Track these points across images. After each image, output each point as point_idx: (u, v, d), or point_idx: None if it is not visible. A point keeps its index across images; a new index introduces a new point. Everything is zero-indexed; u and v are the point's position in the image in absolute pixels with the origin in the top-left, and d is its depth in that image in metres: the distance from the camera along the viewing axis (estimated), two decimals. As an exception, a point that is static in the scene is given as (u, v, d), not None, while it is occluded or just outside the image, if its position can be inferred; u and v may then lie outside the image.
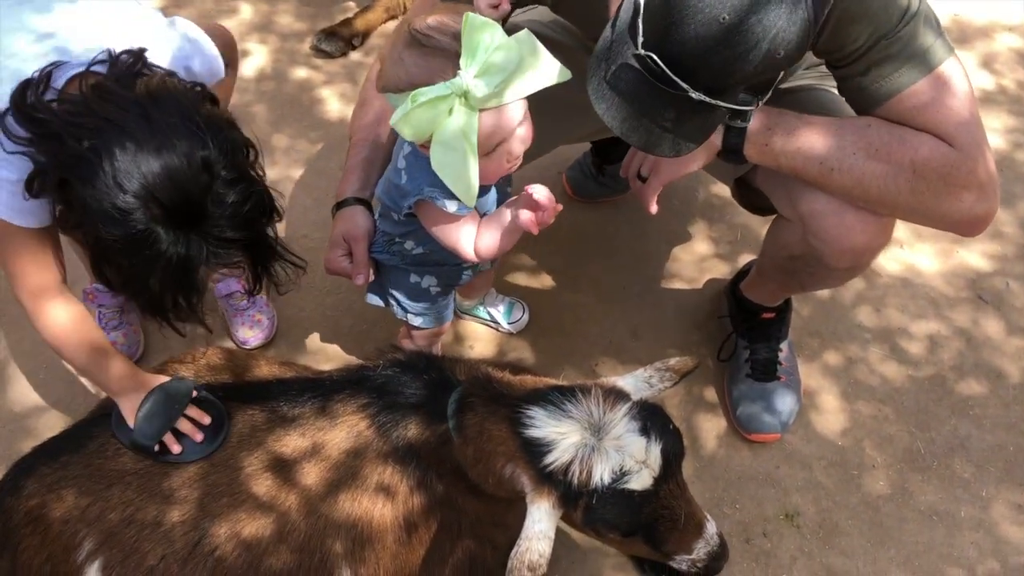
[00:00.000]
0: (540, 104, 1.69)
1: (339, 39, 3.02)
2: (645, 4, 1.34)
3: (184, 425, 1.63)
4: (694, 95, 1.35)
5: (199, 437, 1.62)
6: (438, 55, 1.44)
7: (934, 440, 2.22)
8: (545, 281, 2.51)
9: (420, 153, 1.58)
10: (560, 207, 1.57)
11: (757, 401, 2.19)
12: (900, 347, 2.39)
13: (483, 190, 1.67)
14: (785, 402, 2.20)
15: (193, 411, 1.65)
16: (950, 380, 2.33)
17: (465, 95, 1.41)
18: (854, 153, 1.57)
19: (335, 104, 2.91)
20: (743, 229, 2.63)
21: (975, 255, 2.58)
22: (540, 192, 1.54)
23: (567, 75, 1.50)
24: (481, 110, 1.44)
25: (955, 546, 2.05)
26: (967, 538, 2.06)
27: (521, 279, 2.51)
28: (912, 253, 2.59)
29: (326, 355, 2.34)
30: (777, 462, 2.17)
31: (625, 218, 2.64)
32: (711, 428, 2.23)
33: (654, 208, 1.76)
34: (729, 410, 2.24)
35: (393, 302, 1.95)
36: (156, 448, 1.61)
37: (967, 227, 1.62)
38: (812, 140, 1.59)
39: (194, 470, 1.61)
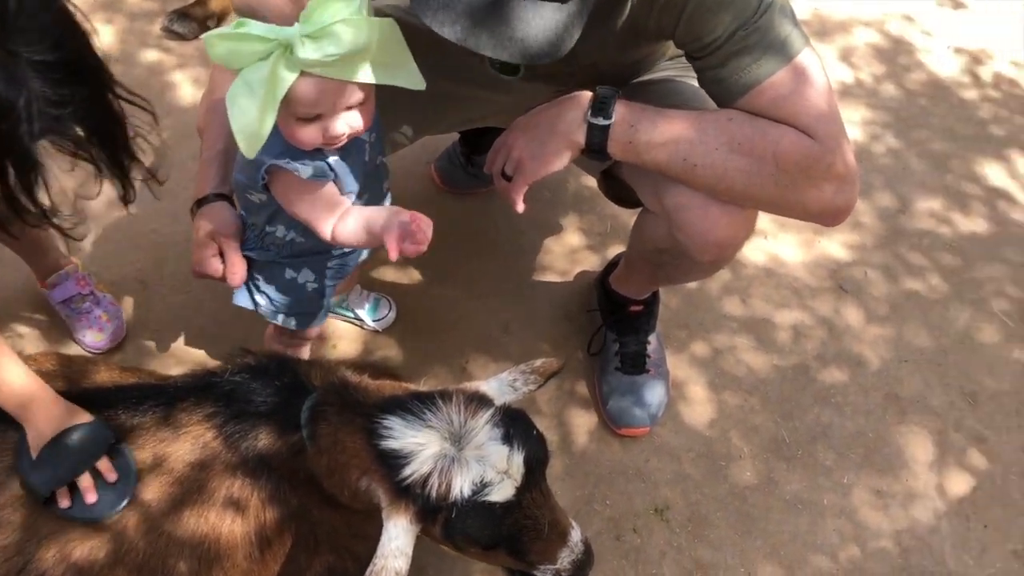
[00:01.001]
0: (404, 95, 1.61)
1: (193, 20, 2.84)
2: None
3: (84, 480, 1.46)
4: None
5: (92, 498, 1.46)
6: (294, 2, 1.34)
7: (798, 429, 2.26)
8: (412, 276, 2.43)
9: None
10: (423, 249, 1.47)
11: (627, 395, 2.18)
12: (765, 337, 2.42)
13: (347, 165, 1.57)
14: (654, 395, 2.20)
15: (103, 464, 1.47)
16: (813, 368, 2.38)
17: (288, 48, 1.31)
18: (717, 148, 1.55)
19: (188, 89, 2.74)
20: (612, 220, 2.61)
21: (836, 245, 2.64)
22: (420, 227, 1.44)
23: (420, 84, 1.42)
24: (305, 73, 1.35)
25: (818, 534, 2.09)
26: (830, 525, 2.10)
27: (387, 274, 2.42)
28: (776, 243, 2.62)
29: (177, 358, 2.20)
30: (647, 455, 2.17)
31: (495, 209, 2.59)
32: (582, 423, 2.20)
33: (521, 207, 1.70)
34: (599, 404, 2.22)
35: (264, 302, 1.82)
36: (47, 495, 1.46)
37: (829, 218, 1.63)
38: (675, 136, 1.56)
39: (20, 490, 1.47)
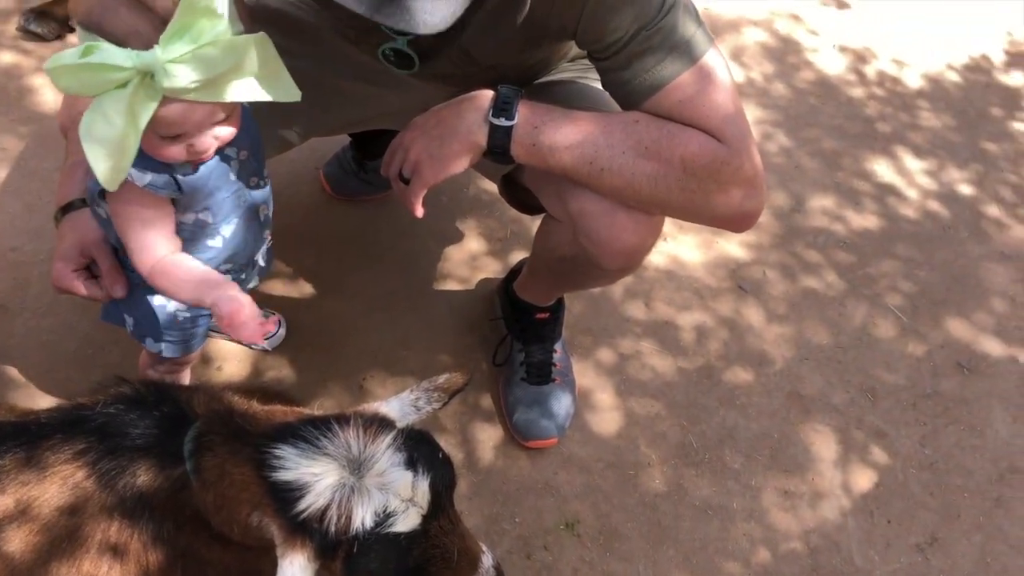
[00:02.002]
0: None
1: (52, 20, 2.63)
2: None
3: None
4: None
5: None
6: (149, 18, 1.18)
7: (705, 433, 2.23)
8: (304, 290, 2.30)
9: None
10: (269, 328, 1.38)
11: (533, 406, 2.11)
12: (669, 340, 2.39)
13: (201, 184, 1.42)
14: (561, 404, 2.13)
15: None
16: (717, 370, 2.35)
17: (149, 75, 1.17)
18: (624, 152, 1.49)
19: (49, 94, 2.53)
20: (514, 224, 2.54)
21: (734, 245, 2.64)
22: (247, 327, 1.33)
23: (295, 96, 1.31)
24: (168, 97, 1.21)
25: (729, 539, 2.06)
26: (740, 529, 2.08)
27: (276, 288, 2.28)
28: (676, 245, 2.60)
29: (46, 388, 2.00)
30: (555, 468, 2.10)
31: (390, 217, 2.48)
32: (488, 438, 2.12)
33: (420, 212, 1.61)
34: (505, 417, 2.14)
35: (130, 324, 1.66)
36: None
37: (738, 223, 1.59)
38: (581, 139, 1.49)
39: None
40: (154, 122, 1.24)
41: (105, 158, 1.23)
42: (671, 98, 1.45)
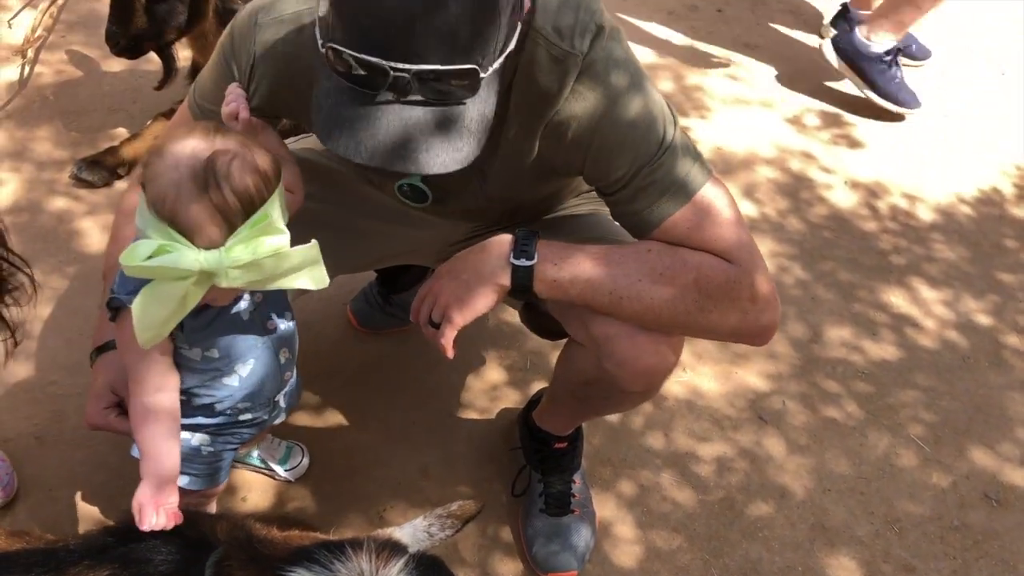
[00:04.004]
0: (314, 233, 1.58)
1: (103, 168, 2.81)
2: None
3: None
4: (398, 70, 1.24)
5: None
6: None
7: (728, 567, 2.20)
8: (328, 420, 2.36)
9: None
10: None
11: (553, 538, 2.11)
12: (690, 471, 2.40)
13: (216, 319, 1.53)
14: (580, 536, 2.13)
15: None
16: (739, 502, 2.35)
17: (208, 275, 1.32)
18: (639, 280, 1.58)
19: (96, 236, 2.69)
20: (533, 356, 2.60)
21: (752, 375, 2.67)
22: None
23: (325, 282, 1.44)
24: None
25: (754, 677, 2.01)
26: (765, 667, 2.03)
27: (300, 419, 2.34)
28: (694, 376, 2.64)
29: (76, 519, 2.05)
30: (575, 601, 2.08)
31: (413, 348, 2.55)
32: (507, 570, 2.11)
33: (452, 353, 1.69)
34: (525, 549, 2.14)
35: None
36: None
37: (756, 337, 1.68)
38: (599, 272, 1.60)
39: None
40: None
41: (148, 329, 1.36)
42: (679, 227, 1.57)
